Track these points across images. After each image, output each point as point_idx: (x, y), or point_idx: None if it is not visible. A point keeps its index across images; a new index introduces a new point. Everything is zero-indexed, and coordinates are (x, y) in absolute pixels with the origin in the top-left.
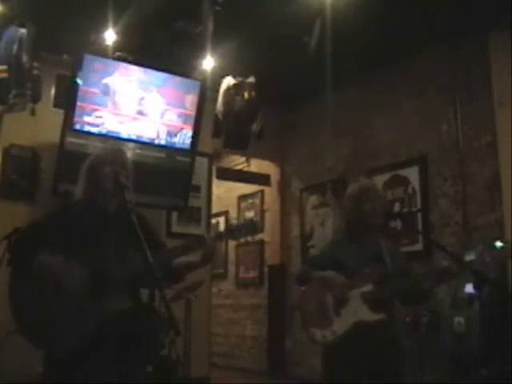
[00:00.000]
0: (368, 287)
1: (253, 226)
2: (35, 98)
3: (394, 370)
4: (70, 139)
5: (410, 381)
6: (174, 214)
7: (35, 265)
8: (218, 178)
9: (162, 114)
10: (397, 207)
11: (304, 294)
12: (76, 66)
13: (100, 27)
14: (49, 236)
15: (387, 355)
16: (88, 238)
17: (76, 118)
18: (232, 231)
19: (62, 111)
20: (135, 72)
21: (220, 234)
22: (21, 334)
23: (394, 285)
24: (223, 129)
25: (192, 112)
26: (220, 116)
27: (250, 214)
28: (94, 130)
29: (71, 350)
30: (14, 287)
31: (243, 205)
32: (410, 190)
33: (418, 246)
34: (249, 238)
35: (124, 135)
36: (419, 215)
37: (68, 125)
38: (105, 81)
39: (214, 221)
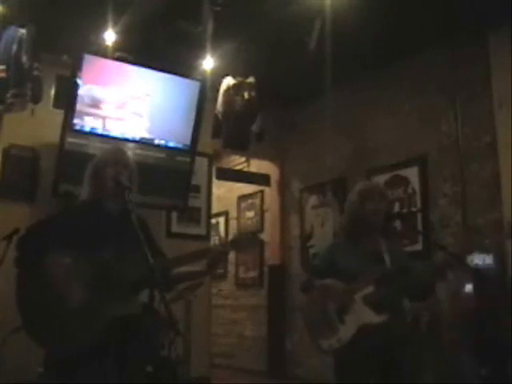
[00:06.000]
0: (369, 289)
1: (256, 241)
2: (36, 98)
3: (403, 369)
4: (70, 139)
5: (418, 380)
6: (174, 214)
7: (45, 265)
8: (218, 178)
9: (162, 114)
10: (397, 207)
11: (307, 306)
12: (76, 66)
13: (100, 27)
14: (56, 237)
15: (395, 355)
16: (93, 240)
17: (76, 118)
18: (236, 243)
19: (61, 111)
20: (135, 72)
21: (225, 245)
22: (27, 333)
23: (394, 283)
24: (223, 129)
25: (192, 112)
26: (220, 116)
27: (249, 214)
28: (93, 130)
29: (76, 351)
30: (22, 286)
31: (243, 205)
32: (409, 190)
33: (418, 246)
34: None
35: (124, 135)
36: (419, 215)
37: (68, 125)
38: (104, 81)
39: (213, 221)
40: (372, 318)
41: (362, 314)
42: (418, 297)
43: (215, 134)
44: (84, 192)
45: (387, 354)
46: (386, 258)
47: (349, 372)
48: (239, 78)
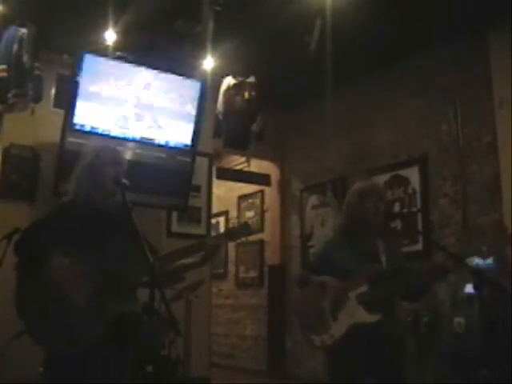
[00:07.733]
0: (363, 288)
1: (249, 229)
2: (37, 98)
3: (395, 370)
4: (71, 139)
5: (411, 381)
6: (174, 214)
7: (45, 267)
8: (218, 177)
9: (162, 114)
10: (397, 207)
11: (301, 301)
12: (76, 66)
13: (100, 27)
14: (55, 238)
15: (387, 355)
16: (92, 239)
17: (76, 118)
18: (230, 234)
19: (62, 111)
20: (135, 72)
21: (220, 236)
22: (28, 334)
23: (388, 284)
24: (223, 129)
25: (192, 112)
26: (220, 116)
27: (250, 214)
28: (94, 129)
29: (78, 351)
30: (21, 287)
31: (243, 205)
32: (410, 190)
33: (418, 246)
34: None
35: (124, 135)
36: (419, 215)
37: (68, 124)
38: (105, 80)
39: (214, 221)
40: (364, 317)
41: (355, 313)
42: (411, 299)
43: (216, 133)
44: (78, 189)
45: (378, 354)
46: (383, 259)
47: (340, 370)
48: (240, 78)
